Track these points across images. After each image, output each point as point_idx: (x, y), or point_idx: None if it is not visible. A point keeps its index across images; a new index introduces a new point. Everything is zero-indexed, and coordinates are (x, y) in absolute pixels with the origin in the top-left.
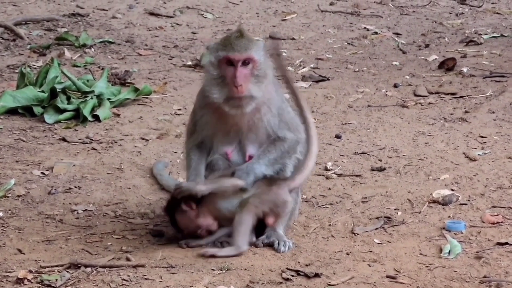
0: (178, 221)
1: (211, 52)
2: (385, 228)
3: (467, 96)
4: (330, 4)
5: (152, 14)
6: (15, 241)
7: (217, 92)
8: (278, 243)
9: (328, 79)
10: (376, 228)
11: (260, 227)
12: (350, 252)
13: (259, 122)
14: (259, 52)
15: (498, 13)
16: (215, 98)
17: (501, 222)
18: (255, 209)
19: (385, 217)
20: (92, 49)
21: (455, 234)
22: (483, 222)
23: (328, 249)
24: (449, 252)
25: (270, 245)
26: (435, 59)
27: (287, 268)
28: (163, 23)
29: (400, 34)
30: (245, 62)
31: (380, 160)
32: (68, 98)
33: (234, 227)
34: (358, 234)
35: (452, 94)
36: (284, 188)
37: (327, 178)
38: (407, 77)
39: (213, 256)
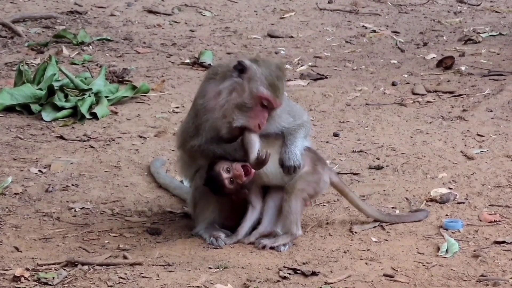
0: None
1: (255, 78)
2: (383, 226)
3: (465, 94)
4: (329, 2)
5: (150, 12)
6: (12, 239)
7: (239, 118)
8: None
9: (326, 77)
10: (374, 227)
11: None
12: (348, 251)
13: (271, 127)
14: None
15: (496, 12)
16: (233, 121)
17: (499, 221)
18: (301, 193)
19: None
20: (90, 47)
21: (452, 232)
22: (480, 220)
23: (325, 248)
24: (447, 251)
25: (271, 248)
26: (433, 57)
27: (284, 266)
28: (161, 21)
29: (398, 33)
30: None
31: (378, 159)
32: (66, 96)
33: (284, 215)
34: (356, 232)
35: (450, 92)
36: (325, 170)
37: None
38: (405, 75)
39: (264, 247)
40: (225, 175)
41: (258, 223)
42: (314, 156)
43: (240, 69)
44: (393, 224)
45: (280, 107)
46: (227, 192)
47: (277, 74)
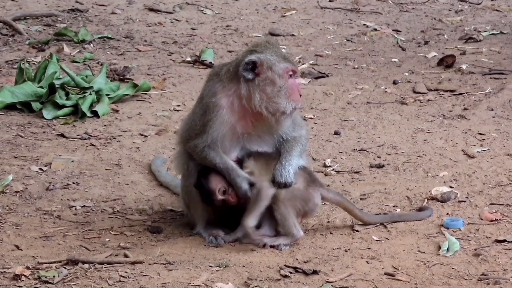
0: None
1: (270, 63)
2: (385, 225)
3: (466, 93)
4: (330, 1)
5: (151, 10)
6: (12, 237)
7: (286, 102)
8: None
9: (327, 76)
10: (376, 226)
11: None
12: (349, 249)
13: (270, 133)
14: None
15: (497, 10)
16: (285, 108)
17: (500, 220)
18: (288, 202)
19: (384, 213)
20: (91, 45)
21: (453, 231)
22: (481, 219)
23: (326, 246)
24: (448, 250)
25: (273, 247)
26: (434, 56)
27: (285, 265)
28: (162, 19)
29: (399, 31)
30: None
31: (379, 157)
32: (67, 94)
33: (280, 223)
34: (357, 230)
35: (451, 91)
36: (317, 192)
37: (326, 174)
38: (406, 74)
39: (265, 245)
40: (219, 196)
41: (259, 223)
42: (308, 177)
43: (252, 66)
44: (395, 222)
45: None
46: (215, 205)
47: (277, 48)
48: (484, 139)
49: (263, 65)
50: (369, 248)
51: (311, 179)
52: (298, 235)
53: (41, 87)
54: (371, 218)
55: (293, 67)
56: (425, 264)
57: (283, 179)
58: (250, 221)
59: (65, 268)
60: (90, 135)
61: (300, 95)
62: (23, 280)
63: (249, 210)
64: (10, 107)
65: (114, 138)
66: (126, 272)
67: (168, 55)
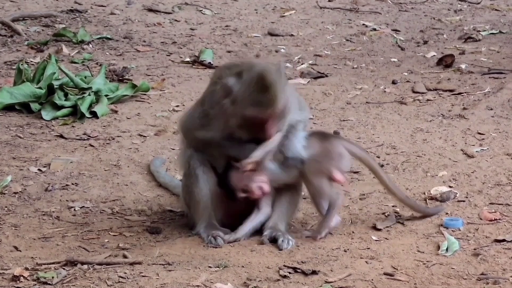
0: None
1: (238, 101)
2: (403, 223)
3: (465, 92)
4: (329, 1)
5: (150, 10)
6: (11, 238)
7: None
8: (282, 240)
9: (326, 76)
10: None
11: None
12: (348, 249)
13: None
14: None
15: (496, 10)
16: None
17: (499, 219)
18: (319, 172)
19: (395, 212)
20: (90, 46)
21: (452, 231)
22: (480, 219)
23: (325, 246)
24: (447, 249)
25: (273, 241)
26: (434, 55)
27: (284, 265)
28: (161, 19)
29: (398, 31)
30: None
31: (378, 157)
32: (66, 95)
33: (317, 195)
34: (353, 232)
35: (450, 90)
36: (335, 142)
37: None
38: (406, 73)
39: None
40: (241, 194)
41: (261, 225)
42: (320, 136)
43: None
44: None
45: (282, 111)
46: (237, 201)
47: (262, 85)
48: (483, 139)
49: (233, 95)
50: (368, 248)
51: (324, 135)
52: (338, 202)
53: (40, 88)
54: (396, 188)
55: (261, 114)
56: (424, 264)
57: (291, 154)
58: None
59: (64, 269)
60: (89, 136)
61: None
62: (22, 281)
63: None
64: (9, 108)
65: (113, 139)
66: (125, 273)
67: (167, 55)
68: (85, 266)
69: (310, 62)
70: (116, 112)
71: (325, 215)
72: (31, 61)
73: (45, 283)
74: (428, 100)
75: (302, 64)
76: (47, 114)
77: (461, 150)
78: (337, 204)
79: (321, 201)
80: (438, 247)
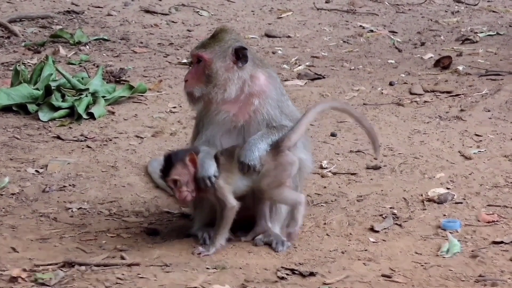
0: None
1: None
2: (400, 224)
3: (462, 94)
4: (326, 2)
5: (147, 11)
6: (9, 240)
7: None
8: (277, 243)
9: (323, 77)
10: (386, 228)
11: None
12: (345, 251)
13: (257, 115)
14: (214, 53)
15: (494, 11)
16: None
17: (497, 221)
18: (277, 185)
19: (392, 214)
20: (87, 47)
21: (450, 232)
22: (478, 221)
23: (323, 248)
24: (447, 251)
25: (268, 244)
26: (431, 57)
27: (282, 267)
28: (158, 21)
29: (396, 32)
30: (199, 61)
31: (376, 159)
32: (63, 96)
33: (279, 203)
34: (351, 234)
35: (448, 92)
36: (284, 153)
37: (322, 176)
38: (403, 75)
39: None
40: (171, 185)
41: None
42: (273, 146)
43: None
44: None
45: (197, 56)
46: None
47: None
48: (480, 141)
49: None
50: (366, 250)
51: (275, 145)
52: (301, 199)
53: (37, 89)
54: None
55: (190, 51)
56: (422, 265)
57: (247, 160)
58: (221, 239)
59: (61, 270)
60: (86, 137)
61: (184, 80)
62: (19, 283)
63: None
64: (6, 109)
65: (110, 140)
66: (123, 274)
67: (164, 56)
68: (83, 268)
69: (307, 63)
70: (113, 113)
71: (294, 218)
72: (28, 62)
73: (43, 284)
74: (425, 101)
75: (299, 65)
76: (44, 115)
77: (459, 151)
78: (302, 205)
79: (282, 200)
80: (436, 249)
